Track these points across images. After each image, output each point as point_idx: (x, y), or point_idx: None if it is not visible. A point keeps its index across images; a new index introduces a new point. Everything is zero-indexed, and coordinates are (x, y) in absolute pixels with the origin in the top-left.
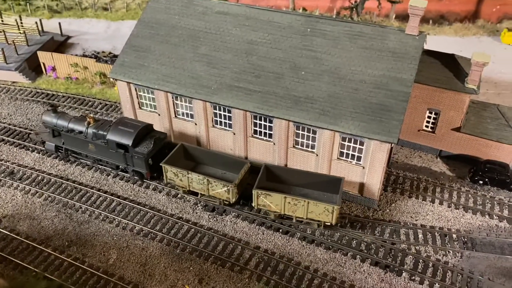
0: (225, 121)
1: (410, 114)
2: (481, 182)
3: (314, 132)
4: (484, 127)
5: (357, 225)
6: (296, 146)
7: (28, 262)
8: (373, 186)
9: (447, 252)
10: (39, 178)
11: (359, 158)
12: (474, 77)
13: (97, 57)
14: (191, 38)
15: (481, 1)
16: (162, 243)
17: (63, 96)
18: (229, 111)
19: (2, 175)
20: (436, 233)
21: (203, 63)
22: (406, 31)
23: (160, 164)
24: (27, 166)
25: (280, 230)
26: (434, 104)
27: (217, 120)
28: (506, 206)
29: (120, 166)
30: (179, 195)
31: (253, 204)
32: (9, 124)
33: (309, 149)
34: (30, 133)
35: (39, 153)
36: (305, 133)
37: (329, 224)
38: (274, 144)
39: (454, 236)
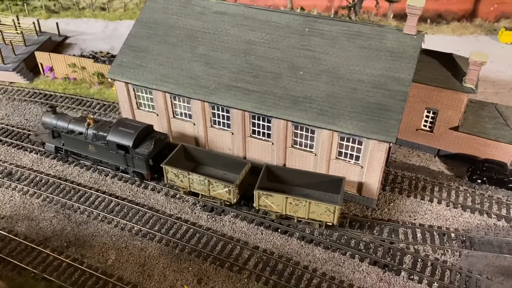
0: (224, 121)
1: (408, 114)
2: (479, 181)
3: (313, 132)
4: (482, 126)
5: (356, 225)
6: (295, 146)
7: (27, 263)
8: (371, 186)
9: (445, 251)
10: (37, 178)
11: (357, 158)
12: (472, 76)
13: (95, 57)
14: (189, 38)
15: (479, 0)
16: (161, 244)
17: (61, 97)
18: (228, 111)
19: (0, 176)
20: (434, 232)
21: (201, 63)
22: (404, 30)
23: (161, 165)
24: (25, 167)
25: (279, 230)
26: (432, 104)
27: (215, 120)
28: (504, 205)
29: (121, 167)
30: (177, 195)
31: (254, 205)
32: (7, 125)
33: (308, 149)
34: (29, 134)
35: (37, 153)
36: (304, 132)
37: (330, 224)
38: (272, 144)
39: (453, 235)
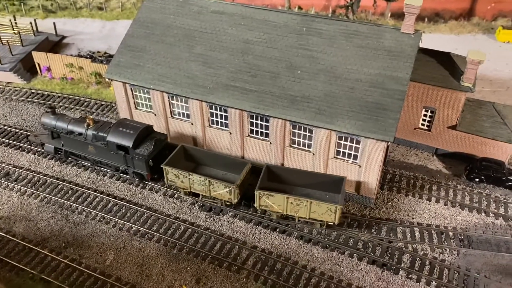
0: (222, 120)
1: (406, 113)
2: (477, 179)
3: (311, 131)
4: (480, 125)
5: (354, 224)
6: (293, 145)
7: (25, 264)
8: (369, 185)
9: (443, 250)
10: (35, 179)
11: (355, 157)
12: (469, 75)
13: (92, 57)
14: (186, 37)
15: None
16: (159, 244)
17: (59, 97)
18: (226, 111)
19: None
20: (432, 231)
21: (198, 63)
22: (401, 29)
23: (161, 166)
24: (22, 167)
25: (277, 229)
26: (430, 102)
27: (213, 120)
28: (502, 204)
29: (120, 168)
30: (175, 195)
31: (255, 205)
32: (4, 125)
33: (306, 148)
34: (27, 135)
35: (34, 154)
36: (302, 132)
37: (331, 224)
38: (270, 143)
39: (451, 234)
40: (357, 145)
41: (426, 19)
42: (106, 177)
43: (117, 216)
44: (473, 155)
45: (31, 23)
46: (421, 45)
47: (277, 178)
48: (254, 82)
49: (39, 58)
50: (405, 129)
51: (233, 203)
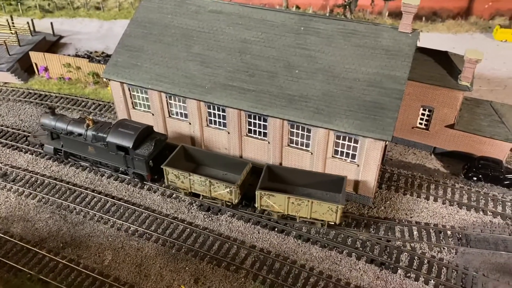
0: (220, 120)
1: (404, 112)
2: (475, 178)
3: (309, 131)
4: (478, 123)
5: (352, 223)
6: (291, 144)
7: (23, 264)
8: (368, 184)
9: (442, 249)
10: (33, 179)
11: (353, 156)
12: (467, 74)
13: (90, 57)
14: (184, 37)
15: None
16: (157, 244)
17: (56, 97)
18: (223, 110)
19: None
20: (431, 230)
21: (196, 63)
22: (399, 28)
23: (162, 167)
24: (20, 168)
25: (276, 229)
26: (427, 101)
27: (211, 120)
28: (500, 202)
29: (120, 169)
30: (174, 195)
31: (256, 205)
32: (2, 126)
33: (304, 148)
34: (25, 135)
35: (32, 154)
36: (300, 131)
37: (333, 223)
38: (268, 143)
39: (449, 232)
40: (355, 144)
41: (423, 18)
42: (104, 177)
43: (115, 216)
44: (471, 154)
45: (28, 23)
46: (419, 44)
47: (278, 178)
48: (252, 82)
49: (37, 58)
50: (403, 128)
51: (233, 203)
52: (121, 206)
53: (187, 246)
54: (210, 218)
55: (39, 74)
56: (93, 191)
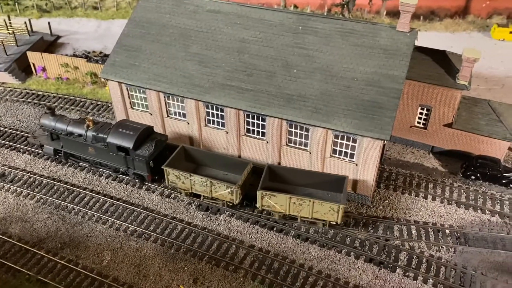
0: (218, 120)
1: (402, 111)
2: (473, 177)
3: (307, 130)
4: (476, 122)
5: (351, 222)
6: (289, 144)
7: (21, 265)
8: (366, 183)
9: (440, 248)
10: (31, 180)
11: (352, 156)
12: (465, 73)
13: (87, 56)
14: (182, 37)
15: None
16: (156, 244)
17: (54, 97)
18: (222, 110)
19: None
20: (429, 229)
21: (194, 62)
22: (397, 28)
23: (162, 167)
24: (18, 168)
25: (274, 228)
26: (425, 101)
27: (209, 119)
28: (498, 201)
29: (121, 169)
30: (172, 195)
31: (257, 205)
32: None
33: (302, 147)
34: (23, 136)
35: (30, 154)
36: (298, 131)
37: (334, 223)
38: (267, 142)
39: (447, 231)
40: (353, 144)
41: (421, 17)
42: (102, 177)
43: (114, 216)
44: (469, 152)
45: (25, 23)
46: (417, 43)
47: (279, 178)
48: (250, 81)
49: (34, 58)
50: (401, 127)
51: (235, 203)
52: (120, 206)
53: (186, 246)
54: (208, 218)
55: (36, 74)
56: (91, 191)
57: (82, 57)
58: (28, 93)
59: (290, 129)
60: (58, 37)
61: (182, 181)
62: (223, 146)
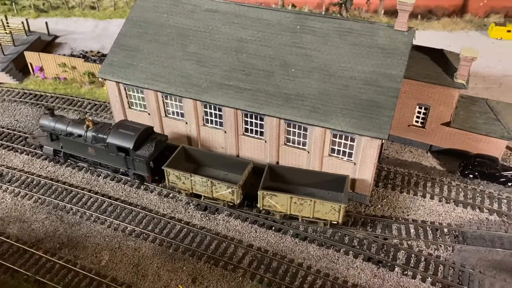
0: (216, 119)
1: (400, 110)
2: (471, 176)
3: (305, 129)
4: (473, 121)
5: (349, 221)
6: (288, 143)
7: (19, 265)
8: (364, 182)
9: (438, 246)
10: (29, 180)
11: (350, 155)
12: (463, 72)
13: (85, 56)
14: (180, 36)
15: None
16: (154, 243)
17: (52, 97)
18: (220, 110)
19: None
20: (427, 228)
21: (192, 62)
22: (395, 27)
23: (162, 168)
24: (15, 168)
25: (273, 228)
26: (423, 99)
27: (208, 119)
28: (496, 200)
29: (121, 170)
30: (170, 195)
31: (258, 205)
32: None
33: (301, 146)
34: (22, 136)
35: (28, 154)
36: (296, 130)
37: (335, 223)
38: (265, 142)
39: (446, 230)
40: (351, 143)
41: (419, 16)
42: (100, 177)
43: (112, 216)
44: (467, 151)
45: (22, 22)
46: (415, 42)
47: (279, 178)
48: (248, 81)
49: (32, 58)
50: (399, 126)
51: (235, 203)
52: (118, 206)
53: (185, 245)
54: (207, 218)
55: (34, 74)
56: (89, 191)
57: (79, 57)
58: (25, 93)
59: (288, 129)
60: (56, 37)
61: (182, 181)
62: (221, 146)
